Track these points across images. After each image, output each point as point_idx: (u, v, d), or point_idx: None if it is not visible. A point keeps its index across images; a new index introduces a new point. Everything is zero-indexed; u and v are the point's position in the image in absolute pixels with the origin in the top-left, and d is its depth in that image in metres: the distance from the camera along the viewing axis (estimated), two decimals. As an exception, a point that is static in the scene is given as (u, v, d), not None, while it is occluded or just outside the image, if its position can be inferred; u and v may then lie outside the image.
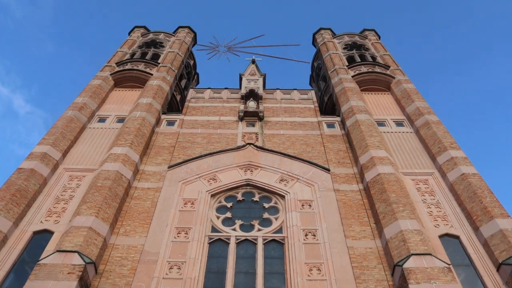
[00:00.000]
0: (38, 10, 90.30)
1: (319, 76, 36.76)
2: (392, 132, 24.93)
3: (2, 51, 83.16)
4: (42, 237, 17.06)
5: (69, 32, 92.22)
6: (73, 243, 15.38)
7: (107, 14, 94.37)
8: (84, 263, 14.65)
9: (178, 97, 32.05)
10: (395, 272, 15.35)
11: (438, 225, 18.08)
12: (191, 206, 19.45)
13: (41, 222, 17.65)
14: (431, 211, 18.81)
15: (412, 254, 15.28)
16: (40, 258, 15.04)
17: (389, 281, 15.60)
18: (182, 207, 19.36)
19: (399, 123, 25.86)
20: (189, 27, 38.90)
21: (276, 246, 17.88)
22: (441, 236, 17.52)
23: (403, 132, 24.97)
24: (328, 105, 31.73)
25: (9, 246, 16.29)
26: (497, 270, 15.62)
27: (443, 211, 18.82)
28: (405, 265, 14.91)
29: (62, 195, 19.26)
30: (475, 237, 17.28)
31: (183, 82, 34.83)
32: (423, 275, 14.46)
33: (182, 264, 16.40)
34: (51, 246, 16.14)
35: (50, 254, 14.97)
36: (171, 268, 16.24)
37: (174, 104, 31.08)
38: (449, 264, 15.16)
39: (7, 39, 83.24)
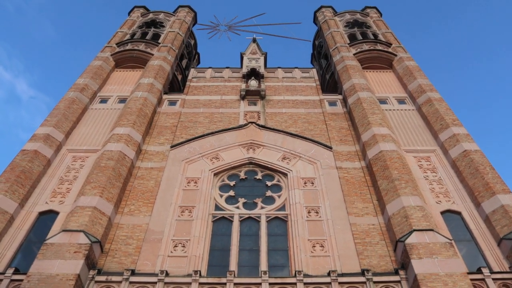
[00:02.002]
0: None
1: (321, 55, 36.52)
2: (394, 110, 24.88)
3: (3, 35, 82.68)
4: (47, 217, 17.25)
5: (69, 14, 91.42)
6: (79, 222, 15.55)
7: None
8: (90, 242, 14.85)
9: (180, 77, 31.94)
10: (397, 248, 15.52)
11: (440, 201, 18.20)
12: (195, 185, 19.58)
13: (46, 203, 17.83)
14: (433, 188, 18.90)
15: (415, 230, 15.41)
16: (47, 238, 15.24)
17: (391, 256, 15.78)
18: (185, 186, 19.49)
19: (401, 101, 25.79)
20: (189, 7, 38.53)
21: (279, 223, 18.05)
22: (443, 212, 17.65)
23: (405, 109, 24.92)
24: (330, 83, 31.60)
25: (15, 227, 16.50)
26: (498, 245, 15.79)
27: (445, 187, 18.92)
28: (407, 241, 15.06)
29: (66, 176, 19.38)
30: (476, 213, 17.41)
31: (184, 62, 34.66)
32: (425, 250, 14.62)
33: (187, 242, 16.60)
34: (57, 226, 16.34)
35: (57, 234, 15.16)
36: (175, 246, 16.44)
37: (175, 84, 30.99)
38: (450, 240, 15.31)
39: (7, 23, 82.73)
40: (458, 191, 18.56)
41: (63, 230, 15.22)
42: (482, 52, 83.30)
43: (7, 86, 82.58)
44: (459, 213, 17.63)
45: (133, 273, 14.88)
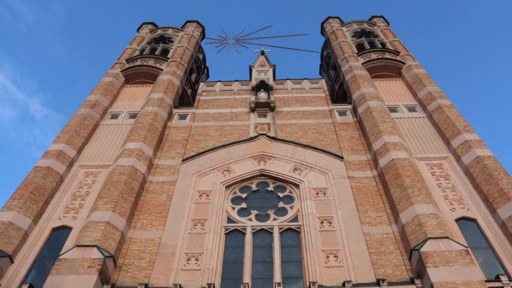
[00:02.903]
0: (49, 15, 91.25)
1: (329, 65, 36.59)
2: (404, 118, 24.76)
3: (17, 56, 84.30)
4: (61, 233, 17.34)
5: (80, 35, 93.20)
6: (92, 237, 15.60)
7: (116, 14, 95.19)
8: (103, 256, 14.87)
9: (189, 91, 32.18)
10: (412, 257, 15.32)
11: (454, 208, 17.98)
12: (206, 198, 19.57)
13: (59, 218, 17.92)
14: (447, 195, 18.69)
15: (429, 238, 15.22)
16: (60, 253, 15.29)
17: (406, 265, 15.57)
18: (197, 199, 19.50)
19: (411, 109, 25.68)
20: (197, 22, 38.95)
21: (292, 234, 17.94)
22: (457, 220, 17.43)
23: (416, 117, 24.79)
24: (339, 94, 31.64)
25: (29, 243, 16.59)
26: (516, 252, 15.52)
27: (459, 194, 18.70)
28: (422, 249, 14.88)
29: (78, 191, 19.51)
30: (492, 220, 17.16)
31: (193, 76, 34.93)
32: (440, 259, 14.41)
33: (200, 255, 16.55)
34: (70, 242, 16.41)
35: (70, 249, 15.21)
36: (188, 259, 16.39)
37: (185, 98, 31.23)
38: (466, 247, 15.09)
39: (21, 44, 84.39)
40: (473, 198, 18.33)
41: (76, 246, 15.27)
42: (493, 55, 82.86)
43: (21, 106, 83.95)
44: (474, 220, 17.38)
45: (146, 287, 14.85)
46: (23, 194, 17.63)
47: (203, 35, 39.04)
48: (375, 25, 37.52)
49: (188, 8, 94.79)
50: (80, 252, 14.92)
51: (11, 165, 76.91)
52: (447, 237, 15.27)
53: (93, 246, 15.20)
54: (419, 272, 14.74)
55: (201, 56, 38.78)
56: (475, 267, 14.23)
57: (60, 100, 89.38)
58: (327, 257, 16.30)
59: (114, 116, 25.88)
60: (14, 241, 15.90)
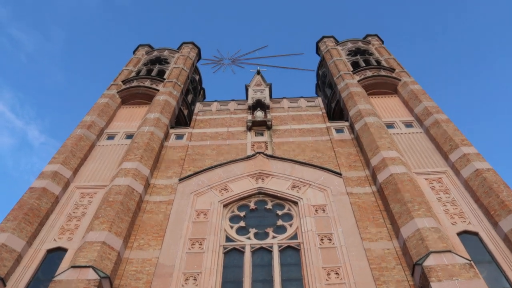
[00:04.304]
0: (49, 43, 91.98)
1: (325, 84, 36.71)
2: (401, 134, 24.69)
3: (16, 84, 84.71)
4: (56, 255, 16.97)
5: (79, 60, 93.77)
6: (87, 258, 15.26)
7: (114, 37, 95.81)
8: (99, 277, 14.52)
9: (186, 112, 32.12)
10: (415, 272, 15.02)
11: (455, 222, 17.74)
12: (204, 217, 19.29)
13: (54, 240, 17.58)
14: (447, 209, 18.48)
15: (432, 252, 14.96)
16: (55, 275, 14.91)
17: (409, 281, 15.26)
18: (195, 219, 19.21)
19: (408, 124, 25.64)
20: (192, 43, 39.22)
21: (292, 252, 17.63)
22: (459, 234, 17.16)
23: (413, 132, 24.73)
24: (336, 111, 31.62)
25: (23, 265, 16.21)
26: (520, 265, 15.24)
27: (460, 208, 18.49)
28: (425, 263, 14.59)
29: (74, 212, 19.21)
30: (494, 233, 16.91)
31: (190, 97, 34.93)
32: (444, 273, 14.13)
33: (198, 275, 16.20)
34: (65, 263, 16.04)
35: (65, 271, 14.85)
36: (187, 279, 16.04)
37: (181, 119, 31.13)
38: (470, 260, 14.81)
39: (20, 72, 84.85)
40: (473, 211, 18.12)
41: (72, 266, 14.92)
42: (488, 68, 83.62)
43: (19, 133, 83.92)
44: (476, 234, 17.12)
45: (144, 308, 14.47)
46: (17, 216, 17.33)
47: (199, 56, 39.25)
48: (370, 44, 37.83)
49: (184, 30, 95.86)
50: (76, 273, 14.57)
51: (9, 193, 76.30)
52: (449, 251, 15.01)
53: (89, 266, 14.85)
54: (423, 287, 14.43)
55: (197, 77, 38.90)
56: (480, 280, 13.95)
57: (58, 126, 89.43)
58: (328, 274, 15.97)
59: (111, 137, 25.73)
60: (7, 264, 15.53)
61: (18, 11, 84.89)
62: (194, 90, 37.18)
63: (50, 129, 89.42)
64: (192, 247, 17.60)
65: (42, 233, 17.81)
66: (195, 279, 16.02)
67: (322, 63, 38.20)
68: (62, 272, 14.79)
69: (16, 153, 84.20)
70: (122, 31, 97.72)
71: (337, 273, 15.98)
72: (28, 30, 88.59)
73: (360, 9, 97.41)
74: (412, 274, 15.24)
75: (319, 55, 39.49)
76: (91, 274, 14.57)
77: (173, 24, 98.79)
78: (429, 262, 14.65)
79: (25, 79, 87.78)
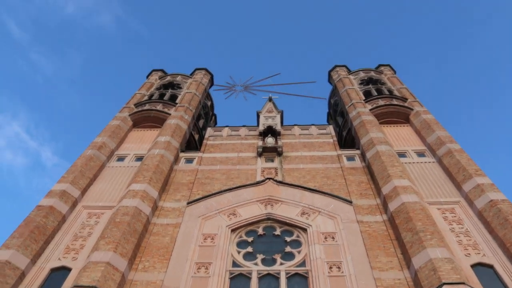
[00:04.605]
0: (66, 67, 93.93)
1: (337, 113, 36.66)
2: (413, 163, 24.35)
3: (32, 105, 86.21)
4: (59, 274, 16.70)
5: (94, 86, 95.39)
6: (91, 278, 14.98)
7: (130, 64, 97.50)
8: (102, 298, 14.20)
9: (197, 136, 32.17)
10: (427, 303, 14.50)
11: (469, 254, 17.20)
12: (211, 241, 18.97)
13: (59, 259, 17.36)
14: (461, 240, 17.98)
15: (445, 283, 14.46)
16: (58, 295, 14.64)
17: (421, 313, 14.71)
18: (202, 242, 18.90)
19: (420, 154, 25.31)
20: (205, 69, 39.58)
21: (299, 280, 17.17)
22: (473, 266, 16.61)
23: (425, 162, 24.37)
24: (347, 140, 31.44)
25: (26, 283, 15.98)
26: (537, 299, 14.64)
27: (473, 239, 17.97)
28: (438, 295, 14.09)
29: (80, 232, 19.02)
30: (510, 266, 16.34)
31: (201, 122, 35.05)
32: (457, 305, 13.61)
33: (203, 299, 15.80)
34: (69, 283, 15.78)
35: (68, 290, 14.57)
36: (191, 303, 15.64)
37: (192, 143, 31.16)
38: (484, 293, 14.27)
39: (36, 94, 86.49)
40: (488, 243, 17.58)
41: (75, 286, 14.65)
42: (503, 97, 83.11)
43: (32, 154, 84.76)
44: (491, 266, 16.55)
45: (146, 332, 14.07)
46: (23, 233, 17.18)
47: (211, 82, 39.55)
48: (382, 73, 37.87)
49: (198, 57, 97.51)
50: (78, 293, 14.28)
51: (19, 212, 76.61)
52: (463, 283, 14.49)
53: (92, 287, 14.56)
54: (435, 319, 13.90)
55: (209, 103, 39.11)
56: (495, 314, 13.39)
57: (72, 148, 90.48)
58: (337, 303, 15.48)
59: (121, 159, 25.73)
60: (10, 281, 15.31)
61: (39, 35, 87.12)
62: (205, 115, 37.34)
63: (64, 151, 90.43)
64: (198, 271, 17.25)
65: (47, 252, 17.62)
66: (199, 304, 15.62)
67: (334, 92, 38.23)
68: (64, 292, 14.51)
69: (29, 173, 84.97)
70: (137, 57, 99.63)
71: (346, 303, 15.48)
72: (47, 54, 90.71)
73: (373, 40, 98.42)
74: (424, 306, 14.71)
75: (331, 83, 39.60)
76: (94, 295, 14.26)
77: (187, 51, 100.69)
78: (442, 293, 14.14)
79: (41, 101, 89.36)
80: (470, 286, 14.48)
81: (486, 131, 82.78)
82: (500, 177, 72.89)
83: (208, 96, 39.05)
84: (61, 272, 16.74)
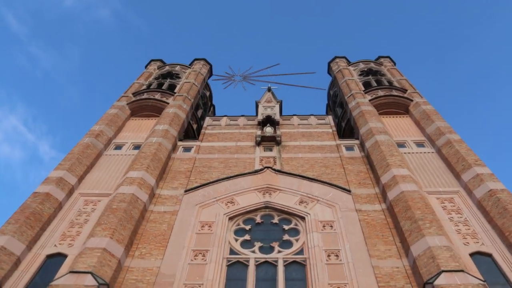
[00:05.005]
0: (65, 61, 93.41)
1: (336, 104, 36.49)
2: (413, 153, 24.21)
3: (30, 99, 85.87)
4: (55, 260, 16.55)
5: (93, 79, 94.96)
6: (87, 264, 14.85)
7: (129, 57, 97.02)
8: (97, 284, 14.09)
9: (195, 126, 32.00)
10: (425, 291, 14.40)
11: (467, 243, 17.10)
12: (209, 229, 18.85)
13: (55, 245, 17.21)
14: (459, 229, 17.87)
15: (443, 271, 14.35)
16: (52, 280, 14.49)
17: (419, 300, 14.62)
18: (199, 230, 18.78)
19: (419, 144, 25.17)
20: (204, 59, 39.31)
21: (297, 267, 17.05)
22: (472, 254, 16.50)
23: (424, 152, 24.23)
24: (346, 131, 31.30)
25: (21, 270, 15.83)
26: (536, 288, 14.55)
27: (472, 228, 17.86)
28: (436, 282, 14.00)
29: (77, 219, 18.88)
30: (509, 254, 16.24)
31: (200, 112, 34.86)
32: (456, 292, 13.51)
33: (199, 286, 15.69)
34: (64, 269, 15.60)
35: (63, 276, 14.44)
36: (188, 290, 15.53)
37: (190, 133, 31.01)
38: (484, 281, 14.16)
39: (35, 88, 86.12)
40: (487, 232, 17.48)
41: (70, 272, 14.52)
42: (502, 89, 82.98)
43: (30, 147, 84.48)
44: (489, 255, 16.45)
45: (142, 318, 13.95)
46: (18, 219, 17.03)
47: (210, 72, 39.29)
48: (382, 65, 37.66)
49: (197, 47, 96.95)
50: (73, 279, 14.15)
51: (16, 206, 76.31)
52: (462, 270, 14.39)
53: (88, 272, 14.43)
54: (433, 306, 13.80)
55: (207, 93, 38.90)
56: (493, 301, 13.30)
57: (69, 142, 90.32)
58: (335, 291, 15.38)
59: (118, 147, 25.56)
60: (5, 267, 15.17)
61: (38, 29, 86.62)
62: (204, 105, 37.14)
63: (61, 145, 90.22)
64: (195, 258, 17.13)
65: (43, 238, 17.46)
66: (196, 291, 15.51)
67: (334, 83, 38.04)
68: (59, 277, 14.39)
69: (26, 166, 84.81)
70: (136, 49, 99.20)
71: (343, 290, 15.38)
72: (46, 48, 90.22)
73: (372, 31, 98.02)
74: (422, 294, 14.62)
75: (330, 75, 39.37)
76: (89, 280, 14.14)
77: (186, 43, 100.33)
78: (441, 281, 14.05)
79: (39, 95, 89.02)
80: (468, 273, 14.37)
81: (486, 122, 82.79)
82: (499, 168, 72.93)
83: (207, 86, 38.82)
84: (57, 258, 16.60)
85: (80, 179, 21.41)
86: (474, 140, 77.36)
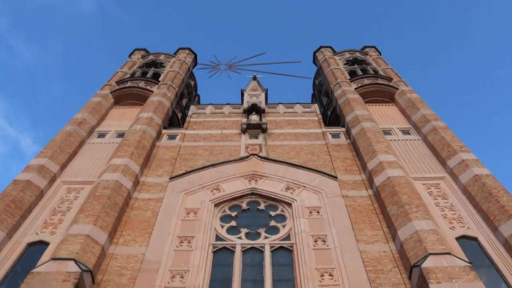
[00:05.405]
0: (46, 53, 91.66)
1: (321, 93, 36.37)
2: (399, 140, 24.22)
3: (11, 93, 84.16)
4: (37, 248, 16.15)
5: (75, 72, 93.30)
6: (69, 250, 14.49)
7: (112, 49, 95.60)
8: (80, 270, 13.74)
9: (180, 115, 31.60)
10: (412, 274, 14.38)
11: (453, 227, 17.15)
12: (194, 216, 18.60)
13: (36, 233, 16.78)
14: (445, 214, 17.90)
15: (430, 254, 14.33)
16: (34, 267, 14.12)
17: (406, 284, 14.59)
18: (184, 217, 18.52)
19: (405, 131, 25.19)
20: (189, 49, 38.81)
21: (284, 253, 16.91)
22: (458, 238, 16.53)
23: (410, 139, 24.26)
24: (332, 119, 31.20)
25: (1, 258, 15.39)
26: (521, 269, 14.63)
27: (458, 213, 17.92)
28: (424, 265, 13.96)
29: (59, 207, 18.45)
30: (494, 238, 16.32)
31: (184, 101, 34.45)
32: (443, 274, 13.50)
33: (185, 272, 15.45)
34: (46, 257, 15.17)
35: (45, 263, 14.08)
36: (173, 276, 15.28)
37: (175, 122, 30.60)
38: (470, 263, 14.19)
39: (16, 81, 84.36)
40: (472, 216, 17.55)
41: (52, 259, 14.15)
42: (488, 77, 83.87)
43: (11, 142, 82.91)
44: (475, 239, 16.53)
45: (126, 304, 13.68)
46: (-2, 207, 16.56)
47: (195, 62, 38.82)
48: (368, 55, 37.62)
49: (181, 37, 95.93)
50: (55, 265, 13.79)
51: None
52: (449, 253, 14.40)
53: (70, 259, 14.07)
54: (420, 289, 13.78)
55: (192, 83, 38.46)
56: (480, 283, 13.30)
57: (52, 136, 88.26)
58: (322, 275, 15.26)
59: (101, 135, 25.10)
60: (-15, 254, 14.74)
61: (17, 21, 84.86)
62: (189, 95, 36.72)
63: (44, 139, 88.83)
64: (181, 245, 16.88)
65: (24, 226, 17.02)
66: (182, 277, 15.27)
67: (319, 73, 37.89)
68: (41, 265, 14.03)
69: (6, 160, 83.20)
70: (120, 41, 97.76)
71: (331, 275, 15.29)
72: (26, 40, 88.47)
73: (358, 21, 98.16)
74: (410, 277, 14.59)
75: (316, 64, 39.21)
76: (72, 267, 13.79)
77: (171, 33, 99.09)
78: (428, 264, 14.02)
79: (20, 88, 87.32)
80: (455, 256, 14.39)
81: (472, 109, 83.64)
82: (485, 156, 73.93)
83: (191, 76, 38.38)
84: (39, 246, 16.19)
85: (63, 167, 20.94)
86: (460, 129, 78.15)
